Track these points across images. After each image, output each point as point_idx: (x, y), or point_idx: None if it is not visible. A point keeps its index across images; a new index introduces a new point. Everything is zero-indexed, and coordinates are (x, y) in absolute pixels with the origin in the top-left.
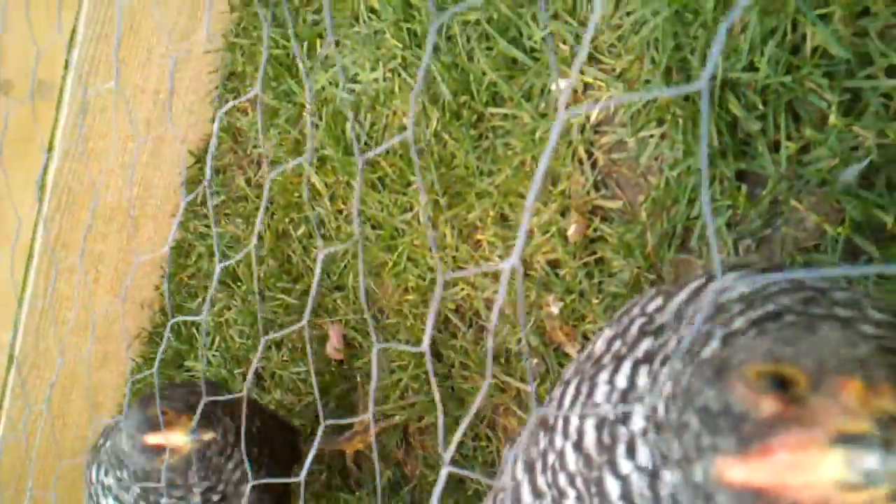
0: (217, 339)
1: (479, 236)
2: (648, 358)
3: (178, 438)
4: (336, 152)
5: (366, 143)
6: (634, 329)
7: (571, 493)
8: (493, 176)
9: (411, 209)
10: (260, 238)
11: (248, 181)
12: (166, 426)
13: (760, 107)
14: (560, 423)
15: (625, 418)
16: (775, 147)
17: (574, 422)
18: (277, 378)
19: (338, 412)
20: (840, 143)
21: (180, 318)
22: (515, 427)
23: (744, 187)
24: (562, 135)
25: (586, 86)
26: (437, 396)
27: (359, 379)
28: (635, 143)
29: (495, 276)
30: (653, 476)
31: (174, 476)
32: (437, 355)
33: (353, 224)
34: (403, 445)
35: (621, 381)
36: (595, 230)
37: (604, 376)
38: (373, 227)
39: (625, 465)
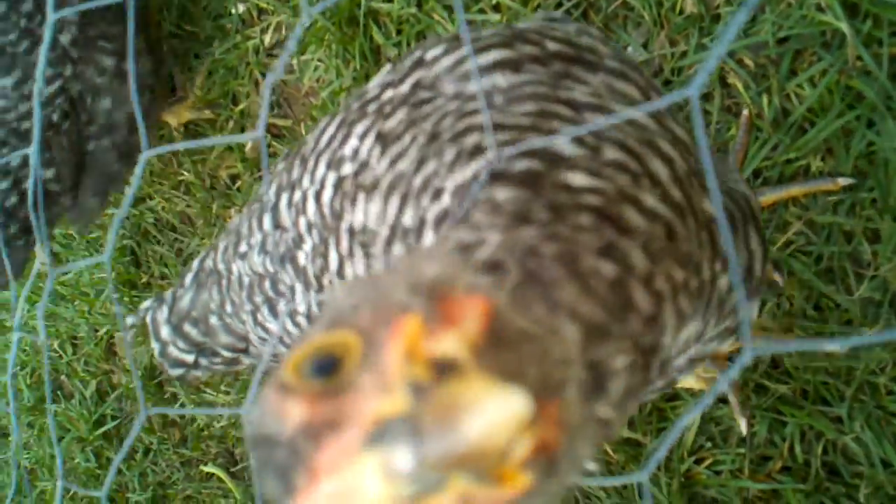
0: None
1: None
2: (388, 136)
3: None
4: None
5: None
6: (405, 87)
7: (309, 241)
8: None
9: None
10: None
11: None
12: None
13: (395, 35)
14: (312, 162)
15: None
16: None
17: (321, 169)
18: None
19: None
20: None
21: None
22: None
23: None
24: (240, 57)
25: (261, 10)
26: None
27: None
28: (299, 66)
29: (186, 190)
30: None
31: None
32: (136, 264)
33: None
34: (110, 356)
35: (364, 150)
36: (269, 146)
37: (359, 129)
38: None
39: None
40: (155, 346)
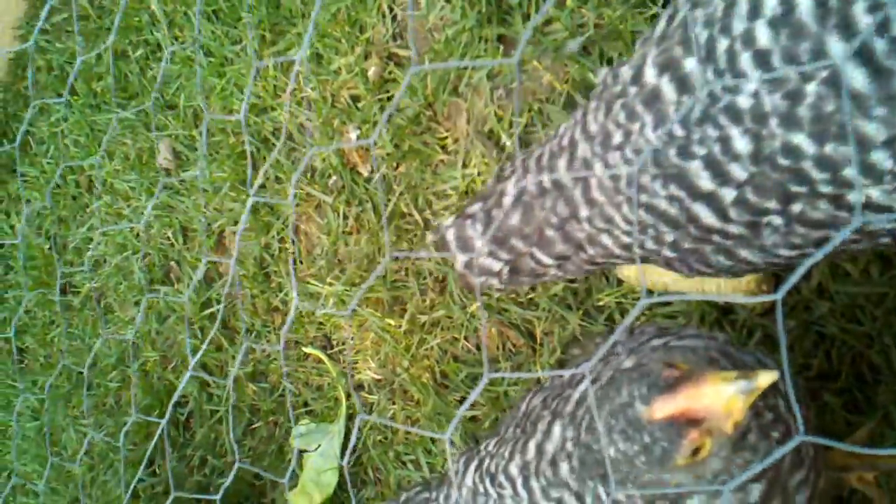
0: (52, 147)
1: (298, 68)
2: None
3: None
4: None
5: None
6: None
7: (754, 75)
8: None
9: (240, 41)
10: (99, 56)
11: (90, 2)
12: None
13: None
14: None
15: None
16: (527, 18)
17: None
18: (109, 185)
19: None
20: (572, 19)
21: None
22: (314, 231)
23: (501, 48)
24: None
25: None
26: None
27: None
28: (426, 3)
29: (309, 106)
30: None
31: None
32: (254, 167)
33: (187, 49)
34: (220, 248)
35: None
36: (390, 73)
37: None
38: (206, 55)
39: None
40: (461, 258)
